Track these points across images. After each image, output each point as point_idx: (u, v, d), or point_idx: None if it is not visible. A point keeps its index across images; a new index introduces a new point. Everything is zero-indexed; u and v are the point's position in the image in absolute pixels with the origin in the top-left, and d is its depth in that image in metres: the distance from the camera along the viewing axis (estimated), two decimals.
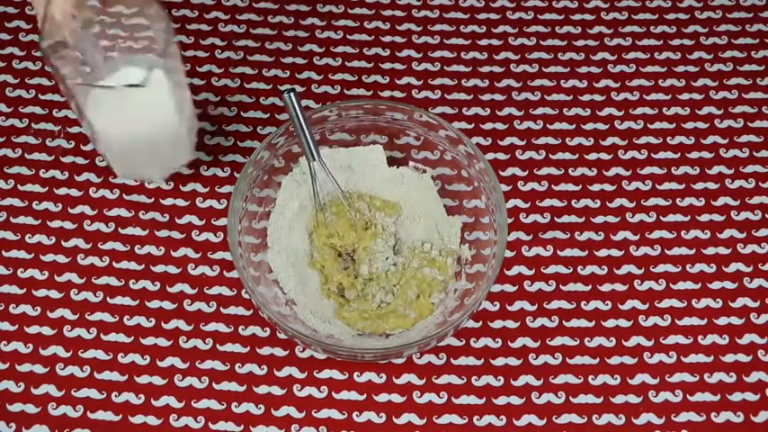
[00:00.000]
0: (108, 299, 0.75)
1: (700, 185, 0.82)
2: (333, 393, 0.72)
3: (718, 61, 0.89)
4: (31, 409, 0.71)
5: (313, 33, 0.90)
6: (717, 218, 0.80)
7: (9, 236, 0.78)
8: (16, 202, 0.80)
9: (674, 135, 0.85)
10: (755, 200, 0.81)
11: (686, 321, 0.75)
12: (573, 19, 0.92)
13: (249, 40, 0.89)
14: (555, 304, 0.76)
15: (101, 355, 0.73)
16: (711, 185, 0.82)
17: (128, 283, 0.76)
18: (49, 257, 0.77)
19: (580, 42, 0.90)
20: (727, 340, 0.74)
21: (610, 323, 0.75)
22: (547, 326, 0.75)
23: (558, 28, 0.91)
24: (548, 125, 0.85)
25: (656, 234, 0.79)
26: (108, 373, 0.72)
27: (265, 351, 0.74)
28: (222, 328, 0.74)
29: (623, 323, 0.75)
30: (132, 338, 0.74)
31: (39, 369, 0.72)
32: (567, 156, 0.83)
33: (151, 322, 0.74)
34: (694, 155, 0.83)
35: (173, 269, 0.77)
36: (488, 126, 0.85)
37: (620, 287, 0.76)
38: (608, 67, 0.88)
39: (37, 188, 0.80)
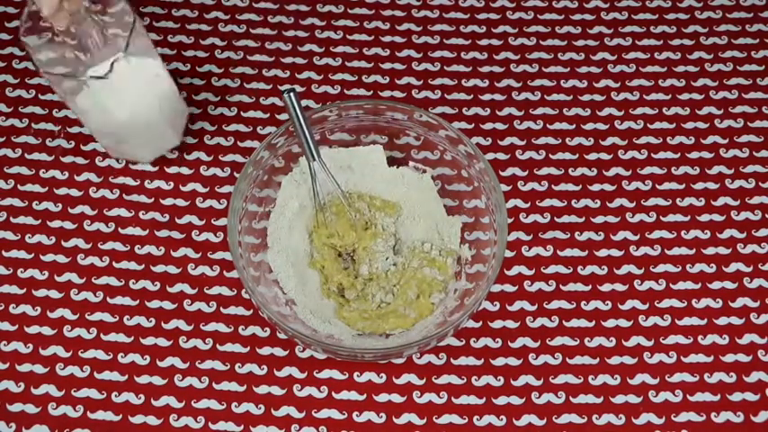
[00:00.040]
0: (108, 299, 0.75)
1: (700, 185, 0.82)
2: (333, 393, 0.72)
3: (718, 61, 0.89)
4: (31, 409, 0.71)
5: (313, 33, 0.90)
6: (717, 218, 0.80)
7: (9, 236, 0.78)
8: (16, 202, 0.80)
9: (674, 135, 0.85)
10: (755, 200, 0.81)
11: (686, 321, 0.75)
12: (573, 19, 0.92)
13: (249, 40, 0.89)
14: (555, 304, 0.76)
15: (101, 355, 0.73)
16: (711, 185, 0.82)
17: (128, 283, 0.76)
18: (49, 257, 0.77)
19: (580, 42, 0.90)
20: (727, 340, 0.74)
21: (610, 323, 0.75)
22: (547, 326, 0.75)
23: (558, 28, 0.91)
24: (548, 125, 0.85)
25: (656, 234, 0.79)
26: (108, 373, 0.72)
27: (265, 351, 0.74)
28: (222, 328, 0.74)
29: (623, 323, 0.75)
30: (132, 338, 0.74)
31: (39, 369, 0.72)
32: (567, 156, 0.83)
33: (151, 322, 0.74)
34: (694, 155, 0.83)
35: (173, 269, 0.77)
36: (488, 126, 0.85)
37: (620, 287, 0.77)
38: (608, 67, 0.88)
39: (37, 188, 0.80)
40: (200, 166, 0.82)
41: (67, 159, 0.82)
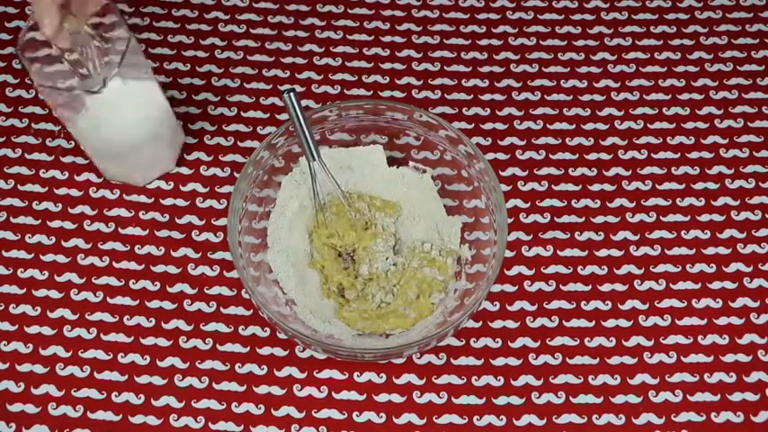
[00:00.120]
0: (108, 299, 0.75)
1: (700, 185, 0.82)
2: (333, 393, 0.72)
3: (718, 61, 0.89)
4: (31, 409, 0.71)
5: (313, 33, 0.90)
6: (717, 218, 0.80)
7: (9, 236, 0.78)
8: (16, 202, 0.80)
9: (674, 135, 0.85)
10: (755, 200, 0.81)
11: (686, 321, 0.75)
12: (573, 19, 0.92)
13: (249, 40, 0.89)
14: (555, 304, 0.76)
15: (101, 355, 0.73)
16: (711, 185, 0.82)
17: (128, 283, 0.76)
18: (49, 257, 0.77)
19: (580, 42, 0.90)
20: (727, 340, 0.74)
21: (610, 323, 0.75)
22: (547, 326, 0.75)
23: (558, 28, 0.91)
24: (548, 125, 0.85)
25: (656, 234, 0.79)
26: (108, 373, 0.72)
27: (265, 351, 0.74)
28: (222, 328, 0.74)
29: (623, 323, 0.75)
30: (132, 338, 0.74)
31: (39, 369, 0.72)
32: (567, 156, 0.83)
33: (151, 322, 0.74)
34: (694, 155, 0.83)
35: (173, 269, 0.77)
36: (488, 126, 0.85)
37: (620, 287, 0.76)
38: (608, 67, 0.88)
39: (37, 188, 0.80)
40: (200, 166, 0.82)
41: (67, 159, 0.82)
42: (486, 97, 0.87)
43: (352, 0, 0.92)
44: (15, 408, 0.71)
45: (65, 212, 0.79)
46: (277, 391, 0.72)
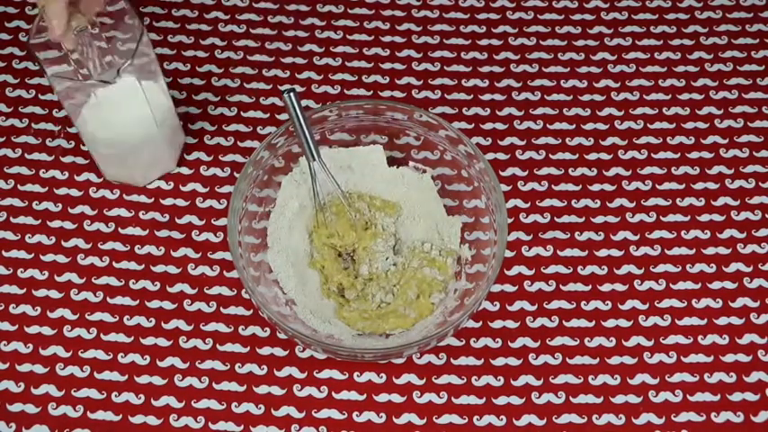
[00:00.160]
0: (108, 299, 0.75)
1: (700, 185, 0.82)
2: (333, 393, 0.72)
3: (718, 61, 0.89)
4: (31, 409, 0.71)
5: (313, 33, 0.90)
6: (717, 218, 0.80)
7: (9, 236, 0.78)
8: (16, 202, 0.80)
9: (674, 135, 0.85)
10: (755, 200, 0.81)
11: (686, 321, 0.75)
12: (573, 19, 0.92)
13: (249, 40, 0.89)
14: (555, 304, 0.76)
15: (101, 355, 0.73)
16: (711, 185, 0.82)
17: (128, 283, 0.76)
18: (49, 257, 0.77)
19: (580, 42, 0.90)
20: (727, 340, 0.74)
21: (610, 323, 0.75)
22: (547, 326, 0.75)
23: (558, 28, 0.91)
24: (548, 125, 0.85)
25: (656, 234, 0.79)
26: (108, 373, 0.72)
27: (265, 351, 0.74)
28: (222, 328, 0.74)
29: (623, 323, 0.75)
30: (132, 338, 0.74)
31: (39, 369, 0.72)
32: (567, 156, 0.83)
33: (151, 322, 0.74)
34: (694, 155, 0.83)
35: (173, 269, 0.77)
36: (488, 126, 0.85)
37: (620, 287, 0.76)
38: (608, 67, 0.88)
39: (37, 188, 0.80)
40: (200, 166, 0.82)
41: (67, 159, 0.82)
42: (486, 97, 0.87)
43: (352, 0, 0.92)
44: (15, 408, 0.71)
45: (65, 212, 0.79)
46: (277, 391, 0.72)
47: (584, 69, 0.88)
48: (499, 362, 0.73)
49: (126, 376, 0.72)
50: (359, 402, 0.71)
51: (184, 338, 0.74)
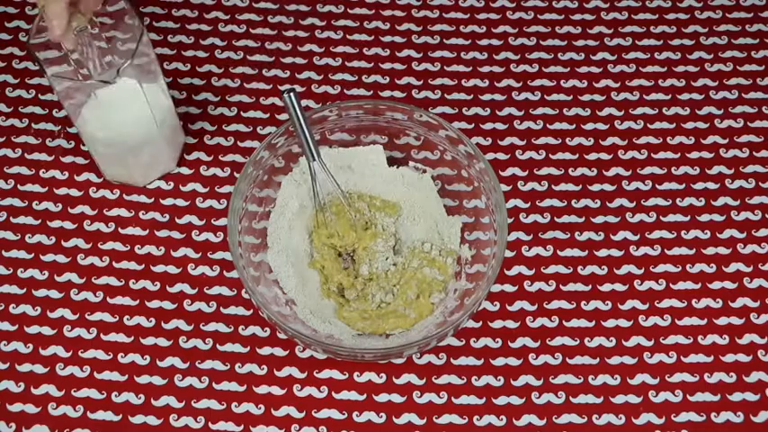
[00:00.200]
0: (108, 299, 0.75)
1: (700, 185, 0.82)
2: (333, 393, 0.72)
3: (718, 61, 0.89)
4: (31, 409, 0.71)
5: (313, 33, 0.90)
6: (717, 218, 0.80)
7: (9, 236, 0.78)
8: (16, 202, 0.80)
9: (674, 135, 0.85)
10: (755, 200, 0.81)
11: (686, 321, 0.75)
12: (573, 19, 0.92)
13: (249, 40, 0.89)
14: (555, 304, 0.76)
15: (101, 355, 0.73)
16: (711, 185, 0.82)
17: (128, 283, 0.76)
18: (49, 257, 0.77)
19: (580, 42, 0.90)
20: (727, 340, 0.74)
21: (610, 323, 0.75)
22: (547, 326, 0.75)
23: (558, 28, 0.91)
24: (548, 125, 0.85)
25: (656, 234, 0.79)
26: (108, 373, 0.72)
27: (265, 351, 0.74)
28: (222, 328, 0.74)
29: (623, 323, 0.75)
30: (132, 338, 0.74)
31: (39, 369, 0.72)
32: (567, 156, 0.83)
33: (151, 322, 0.74)
34: (694, 155, 0.83)
35: (173, 269, 0.77)
36: (488, 126, 0.85)
37: (620, 287, 0.76)
38: (608, 67, 0.88)
39: (37, 188, 0.80)
40: (200, 166, 0.82)
41: (67, 159, 0.82)
42: (486, 97, 0.87)
43: (352, 0, 0.92)
44: (15, 408, 0.71)
45: (65, 212, 0.79)
46: (277, 391, 0.72)
47: (584, 69, 0.88)
48: (499, 362, 0.73)
49: (126, 376, 0.72)
50: (359, 402, 0.71)
51: (184, 338, 0.74)
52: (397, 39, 0.90)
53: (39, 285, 0.76)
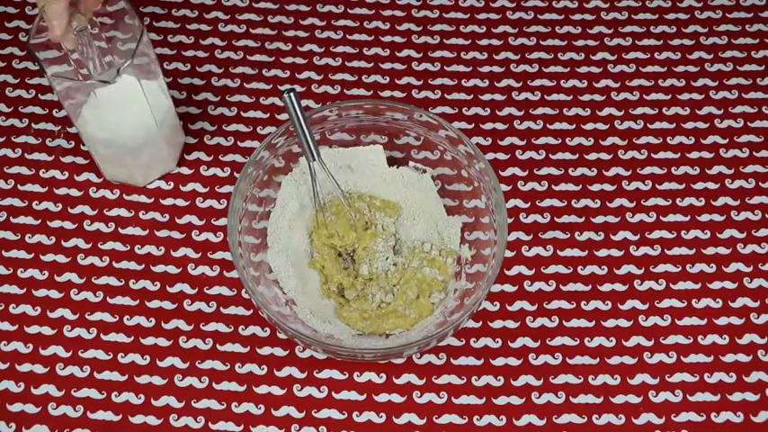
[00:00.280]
0: (108, 299, 0.75)
1: (700, 185, 0.82)
2: (333, 393, 0.72)
3: (718, 61, 0.89)
4: (31, 409, 0.71)
5: (313, 33, 0.90)
6: (717, 218, 0.80)
7: (9, 236, 0.78)
8: (16, 202, 0.80)
9: (674, 135, 0.85)
10: (755, 200, 0.81)
11: (686, 321, 0.75)
12: (573, 19, 0.92)
13: (249, 40, 0.89)
14: (555, 304, 0.76)
15: (101, 355, 0.73)
16: (711, 185, 0.82)
17: (128, 283, 0.76)
18: (49, 257, 0.77)
19: (580, 42, 0.90)
20: (727, 340, 0.74)
21: (610, 323, 0.75)
22: (547, 326, 0.75)
23: (558, 28, 0.91)
24: (548, 125, 0.85)
25: (656, 234, 0.79)
26: (108, 373, 0.72)
27: (265, 351, 0.74)
28: (222, 328, 0.74)
29: (623, 323, 0.75)
30: (132, 338, 0.74)
31: (39, 369, 0.72)
32: (567, 156, 0.83)
33: (151, 322, 0.74)
34: (694, 155, 0.83)
35: (173, 269, 0.77)
36: (488, 126, 0.85)
37: (620, 287, 0.76)
38: (608, 67, 0.88)
39: (37, 188, 0.80)
40: (200, 166, 0.82)
41: (67, 159, 0.82)
42: (486, 97, 0.87)
43: (352, 0, 0.92)
44: (15, 408, 0.71)
45: (65, 212, 0.79)
46: (277, 391, 0.72)
47: (584, 69, 0.88)
48: (499, 362, 0.73)
49: (126, 376, 0.72)
50: (359, 402, 0.71)
51: (184, 338, 0.74)
52: (397, 39, 0.90)
53: (39, 285, 0.76)
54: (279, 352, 0.74)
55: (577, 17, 0.92)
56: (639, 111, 0.86)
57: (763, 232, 0.79)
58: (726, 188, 0.81)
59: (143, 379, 0.72)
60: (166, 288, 0.76)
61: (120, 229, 0.79)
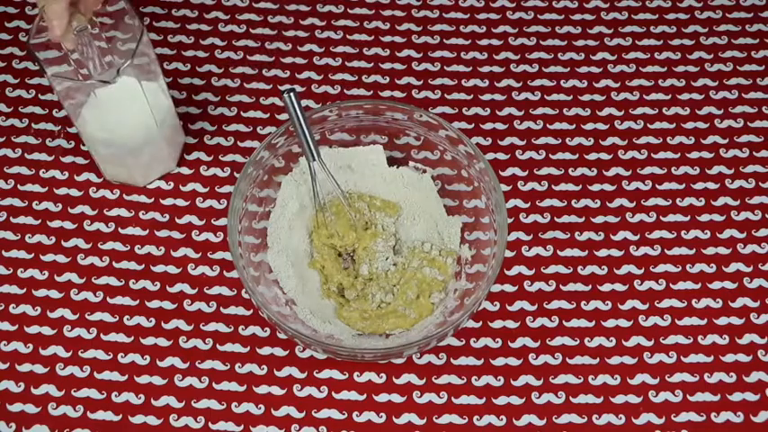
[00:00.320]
0: (108, 299, 0.75)
1: (700, 185, 0.82)
2: (333, 393, 0.72)
3: (718, 61, 0.89)
4: (31, 409, 0.71)
5: (313, 33, 0.90)
6: (717, 218, 0.80)
7: (9, 236, 0.78)
8: (16, 202, 0.80)
9: (674, 135, 0.85)
10: (755, 200, 0.81)
11: (686, 321, 0.75)
12: (573, 19, 0.92)
13: (249, 40, 0.89)
14: (555, 304, 0.76)
15: (101, 355, 0.73)
16: (711, 185, 0.82)
17: (128, 283, 0.76)
18: (49, 257, 0.77)
19: (580, 42, 0.90)
20: (727, 340, 0.74)
21: (610, 323, 0.75)
22: (547, 326, 0.75)
23: (558, 28, 0.91)
24: (548, 125, 0.85)
25: (656, 234, 0.79)
26: (108, 373, 0.72)
27: (265, 351, 0.74)
28: (222, 328, 0.74)
29: (623, 323, 0.75)
30: (132, 338, 0.74)
31: (39, 369, 0.72)
32: (567, 156, 0.83)
33: (151, 322, 0.74)
34: (694, 155, 0.83)
35: (173, 269, 0.77)
36: (488, 126, 0.85)
37: (620, 287, 0.76)
38: (608, 67, 0.88)
39: (37, 188, 0.80)
40: (200, 166, 0.82)
41: (67, 159, 0.82)
42: (486, 97, 0.87)
43: (352, 0, 0.92)
44: (15, 408, 0.71)
45: (65, 212, 0.79)
46: (277, 391, 0.72)
47: (584, 69, 0.88)
48: (499, 362, 0.73)
49: (126, 376, 0.72)
50: (359, 402, 0.71)
51: (184, 338, 0.74)
52: (397, 39, 0.90)
53: (39, 285, 0.76)
54: (279, 352, 0.74)
55: (577, 17, 0.92)
56: (639, 111, 0.86)
57: (763, 232, 0.79)
58: (726, 188, 0.81)
59: (143, 379, 0.72)
60: (166, 288, 0.76)
61: (120, 229, 0.79)
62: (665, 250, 0.78)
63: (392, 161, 0.79)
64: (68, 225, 0.79)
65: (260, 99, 0.86)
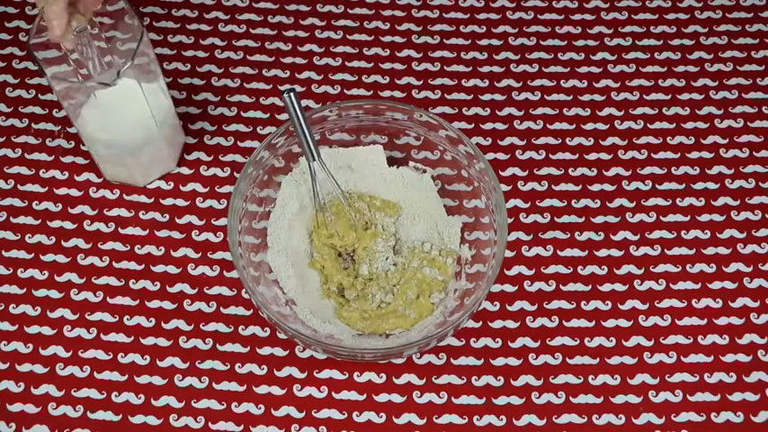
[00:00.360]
0: (108, 299, 0.75)
1: (700, 185, 0.82)
2: (333, 393, 0.72)
3: (718, 61, 0.89)
4: (31, 409, 0.71)
5: (313, 33, 0.90)
6: (717, 218, 0.80)
7: (9, 236, 0.78)
8: (16, 202, 0.80)
9: (674, 135, 0.85)
10: (755, 200, 0.81)
11: (686, 321, 0.75)
12: (573, 19, 0.92)
13: (249, 40, 0.89)
14: (555, 304, 0.76)
15: (101, 355, 0.73)
16: (711, 185, 0.82)
17: (128, 283, 0.76)
18: (49, 257, 0.77)
19: (580, 42, 0.90)
20: (727, 340, 0.74)
21: (610, 323, 0.75)
22: (547, 326, 0.75)
23: (558, 28, 0.91)
24: (548, 125, 0.85)
25: (656, 234, 0.79)
26: (108, 373, 0.72)
27: (265, 351, 0.74)
28: (222, 328, 0.74)
29: (623, 323, 0.75)
30: (132, 338, 0.74)
31: (39, 369, 0.72)
32: (567, 156, 0.83)
33: (151, 322, 0.74)
34: (694, 155, 0.83)
35: (173, 269, 0.77)
36: (488, 126, 0.85)
37: (620, 287, 0.76)
38: (608, 67, 0.88)
39: (37, 188, 0.80)
40: (200, 166, 0.82)
41: (67, 159, 0.82)
42: (486, 97, 0.87)
43: (352, 0, 0.92)
44: (15, 408, 0.71)
45: (65, 212, 0.79)
46: (277, 391, 0.72)
47: (584, 69, 0.88)
48: (499, 362, 0.73)
49: (126, 376, 0.72)
50: (359, 402, 0.71)
51: (184, 338, 0.74)
52: (397, 39, 0.90)
53: (39, 285, 0.76)
54: (279, 352, 0.74)
55: (577, 17, 0.92)
56: (639, 111, 0.86)
57: (763, 232, 0.79)
58: (726, 188, 0.81)
59: (143, 379, 0.72)
60: (166, 288, 0.76)
61: (120, 229, 0.79)
62: (665, 250, 0.78)
63: (392, 161, 0.79)
64: (68, 225, 0.79)
65: (260, 99, 0.86)
